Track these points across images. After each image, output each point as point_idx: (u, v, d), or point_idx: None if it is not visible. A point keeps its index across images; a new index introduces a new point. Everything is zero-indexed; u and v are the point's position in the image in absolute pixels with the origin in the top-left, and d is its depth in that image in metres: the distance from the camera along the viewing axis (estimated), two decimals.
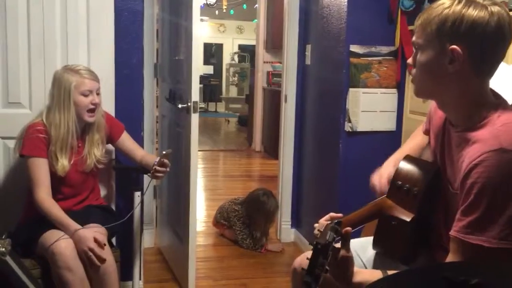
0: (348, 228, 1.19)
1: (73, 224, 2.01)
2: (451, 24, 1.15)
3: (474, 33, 1.15)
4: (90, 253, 1.94)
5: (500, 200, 1.09)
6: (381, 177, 1.51)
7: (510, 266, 0.99)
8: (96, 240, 1.96)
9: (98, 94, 2.16)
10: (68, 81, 2.08)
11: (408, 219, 1.33)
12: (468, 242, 1.12)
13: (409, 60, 1.29)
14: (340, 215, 1.38)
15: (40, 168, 2.06)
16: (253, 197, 3.41)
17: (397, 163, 1.45)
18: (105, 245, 2.00)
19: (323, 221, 1.39)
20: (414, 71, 1.27)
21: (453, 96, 1.22)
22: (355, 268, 1.22)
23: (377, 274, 1.22)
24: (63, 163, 2.09)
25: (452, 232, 1.16)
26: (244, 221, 3.41)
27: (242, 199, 3.53)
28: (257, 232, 3.37)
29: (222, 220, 3.55)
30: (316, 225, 1.39)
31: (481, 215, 1.11)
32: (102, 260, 1.97)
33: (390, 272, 1.20)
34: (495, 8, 1.15)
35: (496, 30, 1.15)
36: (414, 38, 1.26)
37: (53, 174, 2.10)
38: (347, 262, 1.19)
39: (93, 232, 1.99)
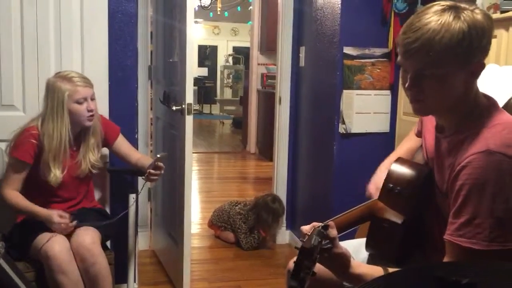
0: (331, 223, 1.18)
1: (41, 210, 2.05)
2: (476, 40, 1.12)
3: (489, 41, 1.16)
4: (59, 227, 2.00)
5: (488, 201, 1.09)
6: (377, 188, 1.51)
7: (501, 266, 1.00)
8: (60, 215, 2.02)
9: (93, 99, 2.14)
10: (61, 91, 2.06)
11: (399, 222, 1.33)
12: (460, 245, 1.12)
13: (411, 86, 1.19)
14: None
15: (19, 171, 2.09)
16: (264, 204, 3.39)
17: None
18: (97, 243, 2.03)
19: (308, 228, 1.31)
20: (423, 94, 1.19)
21: (462, 101, 1.20)
22: (355, 261, 1.21)
23: (378, 269, 1.21)
24: (56, 173, 2.09)
25: (445, 236, 1.16)
26: (250, 226, 3.42)
27: (249, 205, 3.49)
28: (264, 230, 3.44)
29: (220, 222, 3.55)
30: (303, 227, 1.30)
31: (470, 217, 1.11)
32: (70, 228, 2.04)
33: (390, 270, 1.20)
34: (478, 10, 1.15)
35: (492, 32, 1.17)
36: (423, 64, 1.15)
37: (46, 182, 2.10)
38: (339, 257, 1.18)
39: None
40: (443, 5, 1.16)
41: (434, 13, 1.14)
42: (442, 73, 1.16)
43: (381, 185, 1.46)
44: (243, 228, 3.41)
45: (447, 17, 1.13)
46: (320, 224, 1.15)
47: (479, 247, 1.10)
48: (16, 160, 2.08)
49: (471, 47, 1.13)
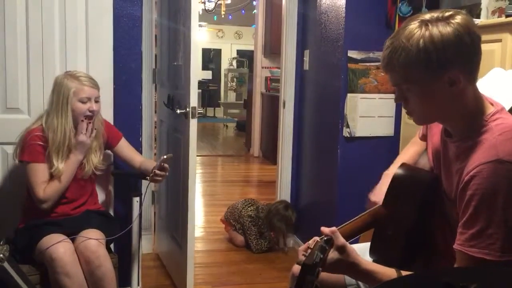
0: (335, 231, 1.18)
1: (72, 156, 2.13)
2: (435, 54, 1.11)
3: (459, 52, 1.13)
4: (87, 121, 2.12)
5: (499, 212, 1.08)
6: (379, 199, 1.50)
7: (507, 271, 0.99)
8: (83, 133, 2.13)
9: (97, 101, 2.18)
10: (67, 87, 2.10)
11: (403, 229, 1.32)
12: (472, 256, 1.11)
13: (397, 99, 1.24)
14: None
15: (41, 172, 2.08)
16: (276, 211, 3.39)
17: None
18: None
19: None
20: (410, 106, 1.22)
21: (455, 110, 1.20)
22: (363, 259, 1.21)
23: (390, 270, 1.20)
24: (58, 166, 2.10)
25: (455, 246, 1.15)
26: (260, 230, 3.42)
27: (262, 212, 3.47)
28: (277, 236, 3.44)
29: (232, 219, 3.57)
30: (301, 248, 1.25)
31: (482, 227, 1.10)
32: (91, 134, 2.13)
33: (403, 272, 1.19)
34: (458, 18, 1.13)
35: (471, 37, 1.13)
36: (397, 80, 1.19)
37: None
38: (349, 265, 1.17)
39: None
40: (420, 19, 1.15)
41: (405, 29, 1.15)
42: (417, 87, 1.17)
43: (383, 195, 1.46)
44: (252, 230, 3.42)
45: (409, 34, 1.13)
46: (323, 237, 1.14)
47: (492, 258, 1.08)
48: (29, 163, 2.09)
49: (431, 62, 1.12)
